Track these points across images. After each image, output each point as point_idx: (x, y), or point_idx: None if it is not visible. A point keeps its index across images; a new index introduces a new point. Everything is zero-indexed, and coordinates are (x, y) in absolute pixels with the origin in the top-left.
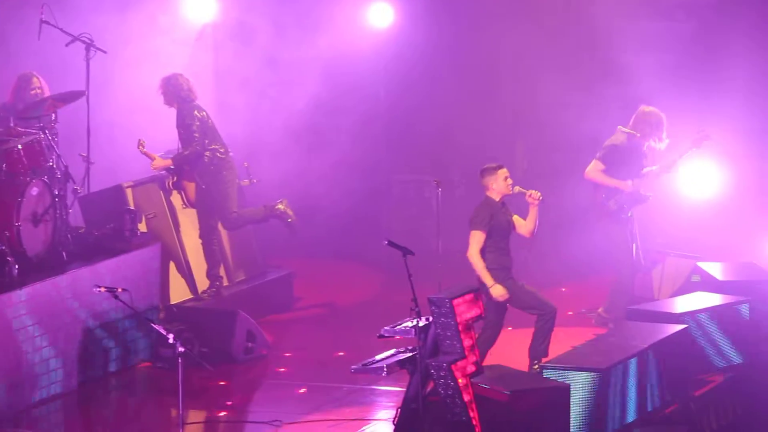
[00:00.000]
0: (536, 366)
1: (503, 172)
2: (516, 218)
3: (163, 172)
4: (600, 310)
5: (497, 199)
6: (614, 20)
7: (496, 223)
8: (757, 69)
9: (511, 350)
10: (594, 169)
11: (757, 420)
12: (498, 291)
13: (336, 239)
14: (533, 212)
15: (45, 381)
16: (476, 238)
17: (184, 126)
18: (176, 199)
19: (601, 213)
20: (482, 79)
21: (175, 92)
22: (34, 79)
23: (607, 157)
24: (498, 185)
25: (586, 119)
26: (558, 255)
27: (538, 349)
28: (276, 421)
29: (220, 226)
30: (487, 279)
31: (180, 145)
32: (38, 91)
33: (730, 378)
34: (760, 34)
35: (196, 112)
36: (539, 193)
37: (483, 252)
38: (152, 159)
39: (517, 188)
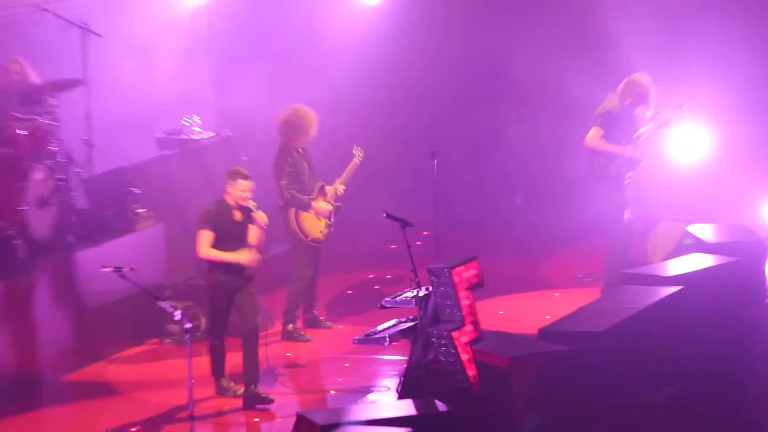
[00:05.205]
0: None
1: (245, 184)
2: (250, 227)
3: (167, 152)
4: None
5: (231, 204)
6: None
7: (221, 226)
8: (737, 30)
9: (514, 315)
10: (594, 136)
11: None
12: (247, 255)
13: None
14: (256, 231)
15: (52, 364)
16: (202, 237)
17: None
18: (178, 178)
19: (601, 178)
20: (484, 50)
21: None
22: (14, 64)
23: (604, 123)
24: (234, 192)
25: (573, 86)
26: (556, 221)
27: (251, 374)
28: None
29: None
30: (231, 256)
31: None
32: (20, 75)
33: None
34: None
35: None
36: (266, 219)
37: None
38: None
39: (252, 204)
